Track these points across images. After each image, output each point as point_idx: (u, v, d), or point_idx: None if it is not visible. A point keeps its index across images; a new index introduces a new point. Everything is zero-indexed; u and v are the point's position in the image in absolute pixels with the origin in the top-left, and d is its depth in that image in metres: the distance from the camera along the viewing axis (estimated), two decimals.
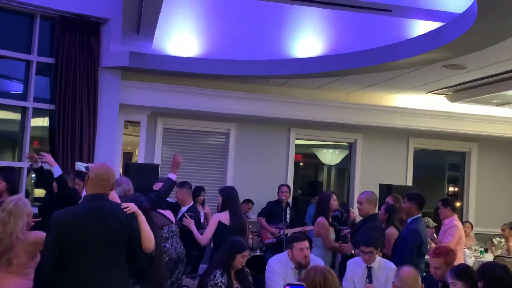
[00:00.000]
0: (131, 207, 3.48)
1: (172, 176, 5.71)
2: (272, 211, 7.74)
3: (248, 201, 8.50)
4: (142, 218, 3.49)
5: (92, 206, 3.43)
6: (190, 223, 5.67)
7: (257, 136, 9.53)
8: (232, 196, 5.70)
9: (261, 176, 9.34)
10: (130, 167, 8.05)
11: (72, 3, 7.60)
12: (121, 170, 8.72)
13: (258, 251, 7.71)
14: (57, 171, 5.51)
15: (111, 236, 3.36)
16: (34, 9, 7.52)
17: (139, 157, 8.95)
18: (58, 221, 3.39)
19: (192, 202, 6.39)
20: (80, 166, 4.74)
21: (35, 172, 6.22)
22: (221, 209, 5.69)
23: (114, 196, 3.86)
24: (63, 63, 7.62)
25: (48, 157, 5.53)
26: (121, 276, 3.42)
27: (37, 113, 7.83)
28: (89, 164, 4.65)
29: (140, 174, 7.75)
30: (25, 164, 7.59)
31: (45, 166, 5.70)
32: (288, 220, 7.52)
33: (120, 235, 3.39)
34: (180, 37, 8.09)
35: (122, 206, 3.48)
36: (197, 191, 7.63)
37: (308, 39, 7.88)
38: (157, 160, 8.92)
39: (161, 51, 8.02)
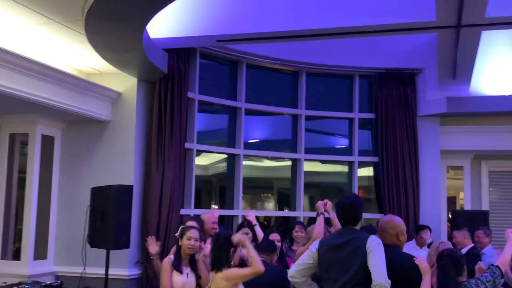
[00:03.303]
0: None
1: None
2: None
3: None
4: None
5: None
6: None
7: None
8: None
9: None
10: (457, 214, 7.83)
11: (387, 59, 7.97)
12: (448, 216, 8.54)
13: None
14: None
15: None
16: (353, 71, 8.16)
17: (465, 203, 8.61)
18: None
19: (472, 244, 5.87)
20: None
21: None
22: None
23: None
24: (383, 117, 7.99)
25: None
26: None
27: (362, 164, 8.32)
28: None
29: (469, 221, 7.46)
30: None
31: None
32: None
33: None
34: (499, 75, 7.66)
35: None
36: None
37: None
38: (484, 205, 8.45)
39: (479, 93, 7.74)
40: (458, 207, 10.98)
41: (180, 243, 4.41)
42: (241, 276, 3.92)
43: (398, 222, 3.85)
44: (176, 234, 4.51)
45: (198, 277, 4.43)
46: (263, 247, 4.60)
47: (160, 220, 6.34)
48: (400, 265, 3.59)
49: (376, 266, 3.46)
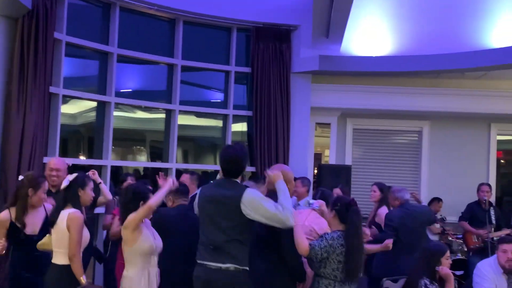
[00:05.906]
0: None
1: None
2: (473, 214, 7.25)
3: (438, 200, 8.07)
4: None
5: None
6: None
7: (453, 134, 9.05)
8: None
9: (458, 175, 8.84)
10: (323, 169, 8.23)
11: (265, 14, 7.99)
12: (314, 171, 8.94)
13: (459, 255, 7.30)
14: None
15: None
16: (231, 23, 8.08)
17: (330, 158, 9.07)
18: None
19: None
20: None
21: None
22: (380, 205, 6.02)
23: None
24: (258, 71, 8.04)
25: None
26: None
27: (236, 119, 8.37)
28: None
29: (333, 175, 7.90)
30: None
31: None
32: (494, 222, 6.98)
33: None
34: (368, 37, 8.04)
35: None
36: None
37: (507, 26, 7.26)
38: (348, 161, 8.96)
39: (349, 53, 8.06)
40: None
41: (80, 194, 3.95)
42: (134, 219, 3.74)
43: (285, 171, 3.93)
44: (63, 186, 3.93)
45: None
46: (181, 191, 4.52)
47: (20, 167, 5.89)
48: None
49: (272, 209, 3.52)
